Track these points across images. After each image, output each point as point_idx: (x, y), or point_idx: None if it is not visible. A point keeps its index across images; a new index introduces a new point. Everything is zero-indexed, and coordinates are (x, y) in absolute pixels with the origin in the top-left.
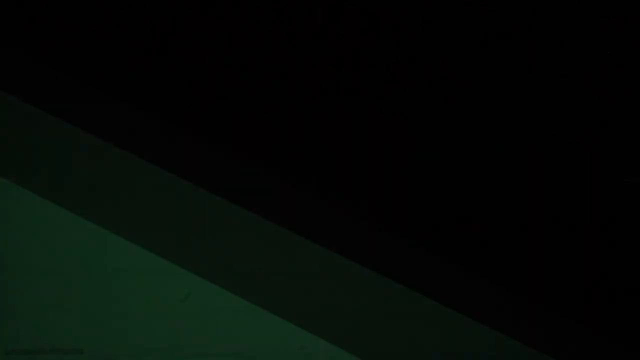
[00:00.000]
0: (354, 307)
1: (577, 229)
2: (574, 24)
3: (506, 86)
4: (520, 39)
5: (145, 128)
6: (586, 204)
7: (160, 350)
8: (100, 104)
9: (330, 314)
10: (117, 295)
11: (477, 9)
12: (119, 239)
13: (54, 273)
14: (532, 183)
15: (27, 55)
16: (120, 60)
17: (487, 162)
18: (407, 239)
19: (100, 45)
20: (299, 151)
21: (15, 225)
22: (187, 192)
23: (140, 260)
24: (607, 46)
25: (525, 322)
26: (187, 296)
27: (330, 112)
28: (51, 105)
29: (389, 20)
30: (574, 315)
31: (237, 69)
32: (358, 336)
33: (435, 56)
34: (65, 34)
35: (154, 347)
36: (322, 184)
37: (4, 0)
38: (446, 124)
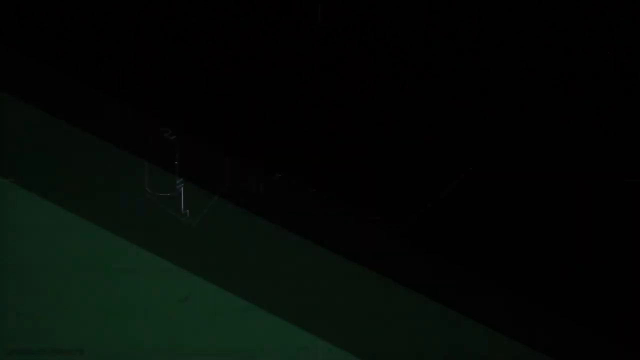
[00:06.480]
0: (354, 307)
1: (578, 229)
2: (573, 24)
3: (507, 86)
4: (521, 40)
5: (146, 128)
6: (587, 204)
7: (160, 350)
8: (100, 104)
9: (330, 314)
10: (117, 295)
11: (477, 9)
12: (119, 239)
13: (54, 273)
14: (533, 183)
15: (27, 56)
16: (123, 61)
17: (488, 163)
18: (407, 240)
19: (101, 46)
20: (299, 151)
21: (15, 225)
22: (187, 192)
23: (141, 260)
24: (607, 46)
25: (525, 322)
26: (187, 296)
27: (330, 112)
28: (51, 106)
29: (390, 20)
30: (574, 315)
31: (236, 69)
32: (358, 336)
33: (438, 57)
34: (66, 34)
35: (154, 347)
36: (323, 184)
37: (4, 1)
38: (448, 124)
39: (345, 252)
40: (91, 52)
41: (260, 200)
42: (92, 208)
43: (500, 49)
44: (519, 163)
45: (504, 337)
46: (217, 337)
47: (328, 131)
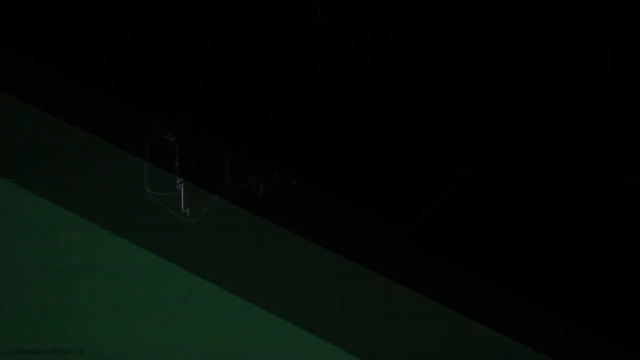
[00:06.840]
0: (355, 307)
1: (578, 229)
2: (573, 24)
3: (507, 86)
4: (521, 40)
5: (145, 128)
6: (587, 204)
7: (160, 350)
8: (100, 104)
9: (330, 314)
10: (117, 295)
11: (477, 9)
12: (119, 239)
13: (54, 273)
14: (533, 183)
15: (27, 55)
16: (123, 61)
17: (488, 163)
18: (407, 239)
19: (101, 46)
20: (299, 151)
21: (15, 225)
22: (187, 191)
23: (140, 260)
24: (607, 46)
25: (526, 323)
26: (187, 296)
27: (330, 112)
28: (51, 105)
29: (390, 20)
30: (574, 315)
31: (236, 68)
32: (358, 336)
33: (438, 56)
34: (66, 34)
35: (154, 347)
36: (323, 184)
37: (4, 1)
38: (448, 124)
39: (345, 252)
40: (91, 52)
41: (260, 200)
42: (92, 208)
43: (500, 49)
44: (519, 163)
45: (504, 337)
46: (217, 337)
47: (328, 131)
